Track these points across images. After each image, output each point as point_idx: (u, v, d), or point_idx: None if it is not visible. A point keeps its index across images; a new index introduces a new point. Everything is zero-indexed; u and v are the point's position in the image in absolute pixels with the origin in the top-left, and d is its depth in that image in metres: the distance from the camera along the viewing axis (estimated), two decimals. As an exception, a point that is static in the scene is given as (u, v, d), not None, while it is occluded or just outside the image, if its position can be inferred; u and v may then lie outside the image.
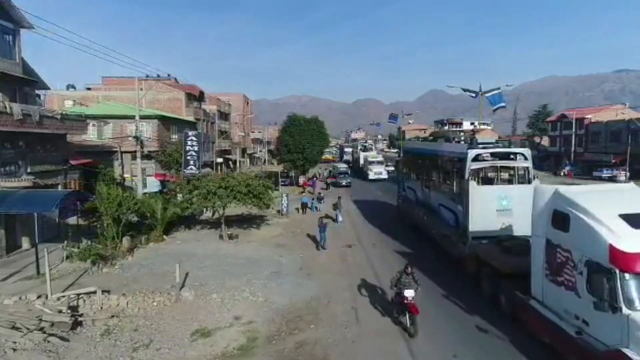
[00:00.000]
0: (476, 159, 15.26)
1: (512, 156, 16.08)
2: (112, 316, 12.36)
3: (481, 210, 14.37)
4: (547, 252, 9.64)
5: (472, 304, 12.52)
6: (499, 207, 14.47)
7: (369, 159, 54.97)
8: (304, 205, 30.06)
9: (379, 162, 54.25)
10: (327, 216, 26.70)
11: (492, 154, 15.89)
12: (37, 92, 41.92)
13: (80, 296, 13.18)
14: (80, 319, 12.15)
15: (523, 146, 16.79)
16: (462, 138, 19.21)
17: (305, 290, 14.27)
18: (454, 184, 16.63)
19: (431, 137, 23.89)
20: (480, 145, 15.87)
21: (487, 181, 16.61)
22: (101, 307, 12.92)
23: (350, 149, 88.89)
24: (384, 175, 51.05)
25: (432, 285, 14.12)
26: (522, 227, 13.54)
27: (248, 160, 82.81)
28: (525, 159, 15.71)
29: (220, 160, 56.40)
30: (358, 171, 58.58)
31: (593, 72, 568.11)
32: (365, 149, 63.55)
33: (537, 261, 10.05)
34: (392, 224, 24.65)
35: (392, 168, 55.36)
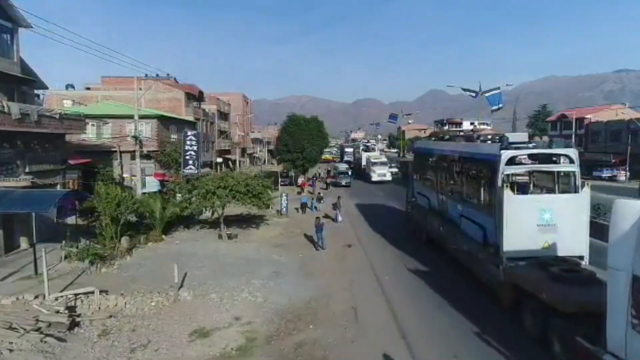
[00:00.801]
0: (511, 161, 12.60)
1: (554, 158, 13.25)
2: (110, 316, 12.30)
3: (518, 225, 11.72)
4: (634, 292, 7.10)
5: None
6: (541, 222, 11.78)
7: (372, 160, 52.13)
8: (304, 205, 30.03)
9: (382, 163, 51.45)
10: (326, 216, 26.77)
11: (531, 156, 13.28)
12: (36, 91, 41.92)
13: (78, 296, 13.09)
14: (77, 319, 12.07)
15: (567, 146, 13.58)
16: (489, 137, 15.93)
17: (305, 290, 14.20)
18: (482, 191, 13.88)
19: (447, 136, 20.88)
20: (515, 145, 12.93)
21: (524, 189, 13.91)
22: (99, 308, 12.84)
23: (351, 149, 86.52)
24: (388, 177, 48.97)
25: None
26: (568, 247, 11.73)
27: (248, 160, 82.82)
28: (571, 161, 12.69)
29: (220, 160, 56.40)
30: (360, 172, 56.48)
31: (593, 72, 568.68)
32: (367, 149, 61.24)
33: (617, 304, 7.43)
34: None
35: (396, 169, 53.83)
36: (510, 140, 13.28)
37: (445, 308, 12.40)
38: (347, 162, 71.40)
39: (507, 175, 12.64)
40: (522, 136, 14.94)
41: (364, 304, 12.88)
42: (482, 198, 13.87)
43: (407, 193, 23.90)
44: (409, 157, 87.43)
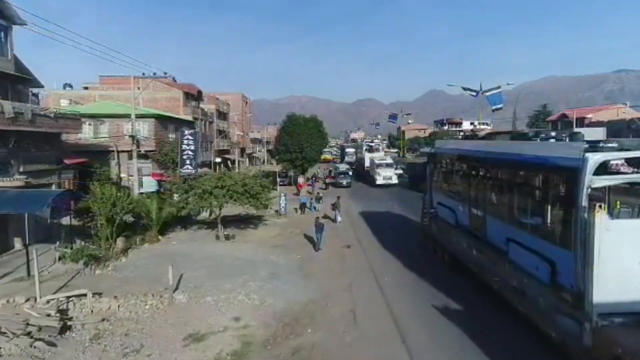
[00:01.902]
0: (602, 169, 8.45)
1: None
2: (103, 320, 12.01)
3: (617, 265, 7.96)
4: None
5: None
6: None
7: (377, 161, 47.21)
8: (303, 206, 29.74)
9: (388, 165, 46.54)
10: (325, 216, 26.43)
11: (630, 161, 8.79)
12: (34, 91, 41.63)
13: (70, 299, 12.79)
14: (69, 322, 11.80)
15: None
16: (553, 134, 11.57)
17: (303, 292, 13.89)
18: (548, 209, 9.82)
19: (482, 134, 17.37)
20: (603, 146, 9.04)
21: (617, 209, 8.73)
22: (91, 311, 12.55)
23: (352, 149, 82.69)
24: (394, 180, 44.56)
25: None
26: None
27: (247, 160, 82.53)
28: None
29: (218, 159, 56.11)
30: (363, 175, 52.34)
31: (592, 73, 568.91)
32: (371, 150, 56.62)
33: None
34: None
35: (401, 171, 49.09)
36: (586, 139, 9.58)
37: (448, 312, 11.99)
38: (349, 163, 67.53)
39: (597, 189, 8.53)
40: (596, 133, 11.61)
41: (363, 307, 12.58)
42: (548, 219, 9.80)
43: (424, 202, 19.54)
44: (409, 157, 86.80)
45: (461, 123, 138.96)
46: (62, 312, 12.25)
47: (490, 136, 16.35)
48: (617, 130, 52.77)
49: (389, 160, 48.35)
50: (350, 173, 50.32)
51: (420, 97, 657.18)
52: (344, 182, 46.01)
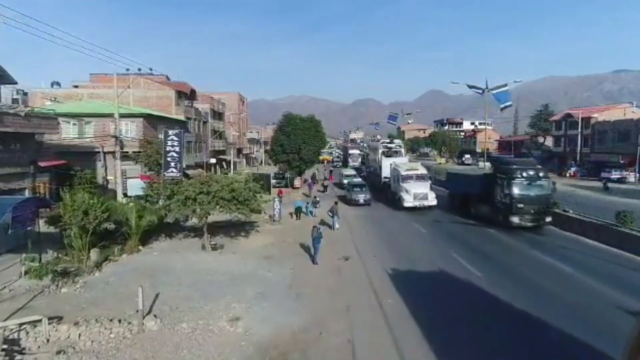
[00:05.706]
0: None
1: None
2: (59, 352, 10.22)
3: None
4: None
5: None
6: None
7: (402, 172, 30.94)
8: (298, 210, 27.92)
9: (420, 177, 30.51)
10: (322, 222, 24.63)
11: None
12: (26, 90, 39.97)
13: (23, 326, 11.02)
14: (19, 356, 10.05)
15: None
16: None
17: (293, 316, 12.06)
18: None
19: None
20: None
21: None
22: (47, 340, 10.77)
23: (357, 151, 68.16)
24: (432, 201, 29.47)
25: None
26: None
27: (244, 160, 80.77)
28: None
29: (213, 160, 54.38)
30: (379, 189, 37.19)
31: (591, 73, 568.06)
32: (389, 152, 39.14)
33: None
34: None
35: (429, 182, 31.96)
36: None
37: (459, 343, 10.22)
38: (356, 170, 52.58)
39: None
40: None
41: (362, 336, 10.79)
42: None
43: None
44: (409, 157, 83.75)
45: (461, 123, 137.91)
46: (12, 343, 10.50)
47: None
48: (625, 130, 51.22)
49: (422, 170, 31.51)
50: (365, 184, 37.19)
51: (420, 97, 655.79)
52: (361, 198, 32.57)
